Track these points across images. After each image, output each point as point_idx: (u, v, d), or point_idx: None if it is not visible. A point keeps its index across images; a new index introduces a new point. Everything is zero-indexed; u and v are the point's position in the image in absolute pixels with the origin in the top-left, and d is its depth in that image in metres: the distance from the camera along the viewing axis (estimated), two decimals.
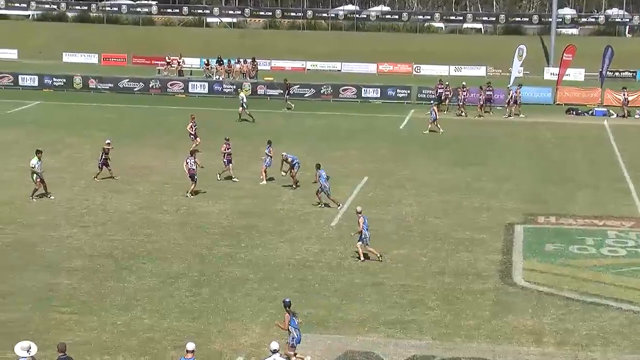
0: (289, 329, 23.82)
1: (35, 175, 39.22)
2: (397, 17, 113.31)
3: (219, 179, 43.87)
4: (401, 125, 61.40)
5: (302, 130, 57.85)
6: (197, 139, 49.97)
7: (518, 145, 54.82)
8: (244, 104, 60.52)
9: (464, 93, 65.32)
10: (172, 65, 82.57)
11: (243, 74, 79.69)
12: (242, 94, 62.20)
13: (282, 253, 33.19)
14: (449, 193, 42.36)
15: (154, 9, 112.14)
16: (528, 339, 26.02)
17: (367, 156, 50.18)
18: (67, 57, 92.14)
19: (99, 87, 73.84)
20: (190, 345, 21.76)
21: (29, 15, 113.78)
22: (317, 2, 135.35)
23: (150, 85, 73.96)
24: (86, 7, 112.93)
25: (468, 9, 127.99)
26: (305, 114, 64.09)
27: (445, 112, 64.55)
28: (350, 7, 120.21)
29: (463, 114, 64.35)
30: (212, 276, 30.57)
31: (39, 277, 29.95)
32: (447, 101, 66.23)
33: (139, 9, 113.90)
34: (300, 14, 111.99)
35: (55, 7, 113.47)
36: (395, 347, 25.41)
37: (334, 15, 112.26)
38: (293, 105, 66.49)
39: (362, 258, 32.38)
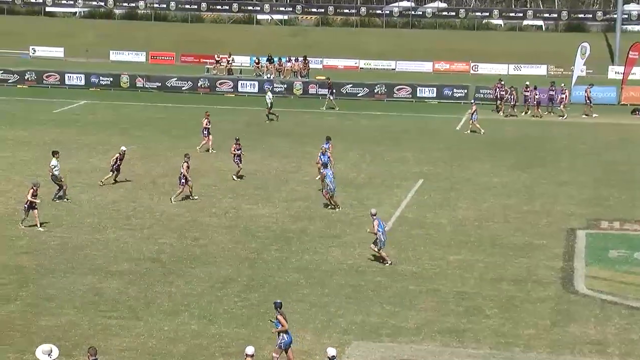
0: (279, 332, 23.95)
1: (54, 176, 39.54)
2: (454, 13, 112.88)
3: (234, 179, 44.15)
4: (458, 126, 61.11)
5: (356, 131, 57.81)
6: (210, 136, 50.32)
7: (580, 146, 54.34)
8: (270, 105, 60.84)
9: (534, 93, 64.75)
10: (221, 64, 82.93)
11: (294, 72, 79.83)
12: (269, 94, 62.44)
13: (333, 258, 33.19)
14: (508, 197, 42.10)
15: (203, 5, 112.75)
16: (591, 350, 25.76)
17: (422, 158, 50.03)
18: (114, 56, 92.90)
19: (146, 86, 74.37)
20: (250, 349, 21.84)
21: (76, 12, 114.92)
22: None
23: (199, 84, 74.33)
24: (134, 4, 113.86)
25: (528, 5, 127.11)
26: (358, 114, 64.02)
27: (501, 113, 64.27)
28: (405, 3, 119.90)
29: (528, 114, 64.24)
30: (262, 281, 30.65)
31: (85, 281, 30.23)
32: (504, 101, 65.71)
33: (187, 6, 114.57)
34: (353, 11, 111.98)
35: (102, 4, 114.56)
36: (451, 356, 25.30)
37: (388, 12, 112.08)
38: (330, 107, 66.22)
39: (388, 261, 32.36)
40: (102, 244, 34.10)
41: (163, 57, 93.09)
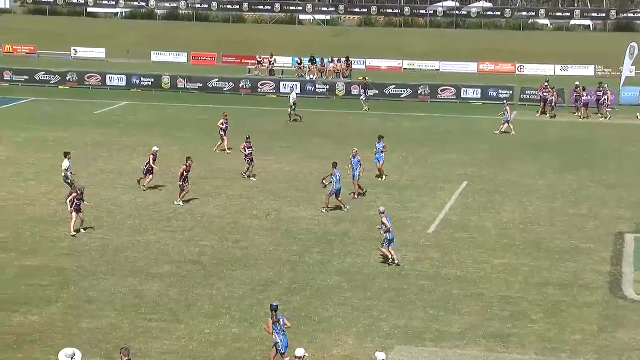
0: (273, 334, 24.00)
1: (66, 177, 39.79)
2: (499, 13, 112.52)
3: (244, 177, 44.47)
4: (503, 127, 60.80)
5: (399, 133, 57.72)
6: (225, 137, 50.50)
7: (629, 149, 53.91)
8: (293, 105, 60.96)
9: (583, 94, 64.42)
10: (263, 65, 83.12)
11: (337, 73, 79.85)
12: (293, 94, 62.50)
13: (376, 261, 33.14)
14: (554, 199, 41.84)
15: (245, 6, 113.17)
16: None
17: (466, 160, 49.86)
18: (156, 56, 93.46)
19: (187, 87, 74.72)
20: (300, 351, 21.87)
21: (118, 13, 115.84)
22: None
23: (241, 85, 74.57)
24: (175, 5, 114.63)
25: (576, 5, 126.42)
26: (401, 116, 63.93)
27: (547, 115, 64.00)
28: (449, 3, 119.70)
29: (577, 115, 63.96)
30: (303, 284, 30.68)
31: (126, 283, 30.41)
32: (548, 103, 65.31)
33: (229, 6, 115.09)
34: (397, 11, 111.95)
35: (144, 4, 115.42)
36: None
37: (432, 12, 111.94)
38: (368, 108, 66.04)
39: (395, 260, 32.46)
40: (143, 246, 34.29)
41: (204, 58, 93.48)
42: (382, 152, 44.83)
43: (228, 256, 33.34)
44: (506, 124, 57.79)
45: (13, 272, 31.23)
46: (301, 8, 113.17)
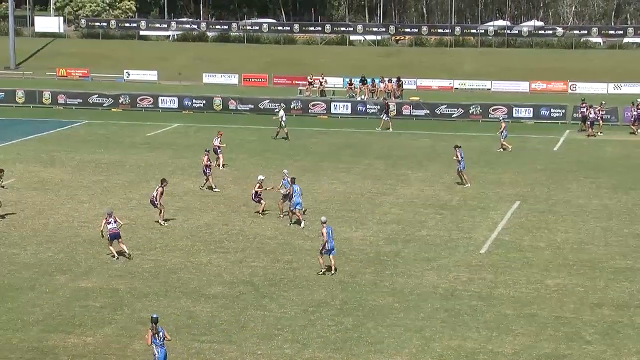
0: (152, 346, 24.21)
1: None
2: (550, 32, 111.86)
3: (202, 189, 46.16)
4: (555, 146, 60.48)
5: (451, 153, 57.55)
6: (220, 155, 51.84)
7: None
8: (282, 122, 61.67)
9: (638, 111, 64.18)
10: (314, 85, 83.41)
11: (387, 93, 79.92)
12: (281, 112, 63.07)
13: (428, 281, 33.04)
14: (609, 219, 41.46)
15: (296, 27, 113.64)
16: None
17: (518, 180, 49.58)
18: (207, 78, 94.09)
19: (239, 108, 75.11)
20: None
21: (169, 36, 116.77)
22: (465, 18, 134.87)
23: (292, 106, 74.75)
24: (226, 27, 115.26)
25: (629, 22, 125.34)
26: (453, 135, 63.76)
27: (585, 133, 63.86)
28: (500, 22, 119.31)
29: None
30: (356, 305, 30.65)
31: (179, 304, 30.56)
32: (590, 121, 64.88)
33: (279, 28, 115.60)
34: (447, 31, 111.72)
35: (195, 27, 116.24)
36: None
37: (483, 31, 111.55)
38: (389, 128, 65.99)
39: (322, 270, 33.39)
40: (195, 267, 34.46)
41: (256, 79, 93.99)
42: (459, 160, 47.41)
43: (280, 277, 33.40)
44: (502, 142, 58.51)
45: (67, 293, 31.52)
46: (352, 29, 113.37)
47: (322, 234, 33.62)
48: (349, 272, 33.92)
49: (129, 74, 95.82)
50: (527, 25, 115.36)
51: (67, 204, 43.48)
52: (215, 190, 46.12)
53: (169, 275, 33.49)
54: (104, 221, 35.29)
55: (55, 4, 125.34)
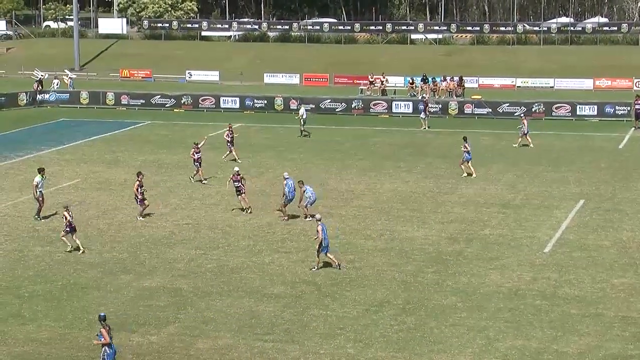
0: (103, 345, 24.47)
1: (37, 192, 40.48)
2: (615, 28, 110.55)
3: (191, 181, 47.95)
4: (621, 144, 59.82)
5: (513, 151, 57.22)
6: (232, 148, 53.72)
7: None
8: (303, 120, 62.73)
9: None
10: (375, 85, 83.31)
11: (449, 92, 79.59)
12: (302, 110, 63.97)
13: (491, 281, 32.87)
14: None
15: (357, 26, 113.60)
16: None
17: (583, 178, 49.12)
18: (268, 78, 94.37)
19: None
20: None
21: (231, 36, 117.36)
22: (528, 15, 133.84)
23: (353, 106, 74.74)
24: (287, 27, 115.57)
25: None
26: (516, 134, 63.29)
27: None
28: (564, 19, 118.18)
29: None
30: (418, 304, 30.59)
31: (242, 304, 30.72)
32: None
33: (340, 27, 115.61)
34: (510, 28, 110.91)
35: (256, 27, 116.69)
36: None
37: (546, 28, 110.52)
38: (428, 127, 65.64)
39: (317, 267, 33.97)
40: (257, 267, 34.61)
41: (317, 79, 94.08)
42: (467, 151, 48.96)
43: (342, 276, 33.43)
44: (524, 137, 58.22)
45: (131, 293, 31.84)
46: (413, 27, 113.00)
47: (318, 231, 33.84)
48: (411, 272, 33.86)
49: (191, 75, 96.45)
50: (591, 22, 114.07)
51: (131, 204, 43.86)
52: (204, 182, 47.81)
53: (231, 274, 33.68)
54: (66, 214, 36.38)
55: (118, 5, 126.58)
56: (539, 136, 62.50)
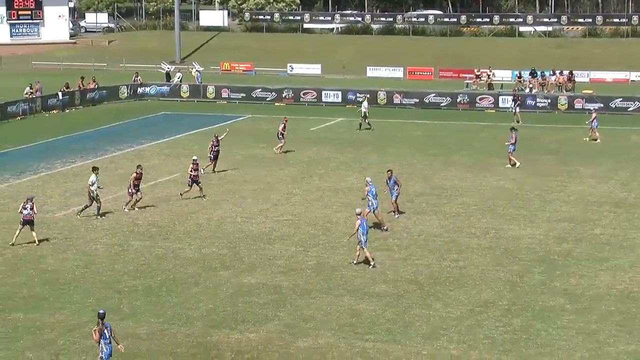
0: (99, 342, 24.28)
1: (94, 192, 40.58)
2: None
3: (202, 172, 46.82)
4: None
5: (626, 147, 56.28)
6: (283, 140, 54.70)
7: None
8: (365, 112, 63.37)
9: None
10: (482, 78, 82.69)
11: (558, 86, 78.59)
12: (365, 103, 64.59)
13: (602, 282, 32.37)
14: None
15: (463, 19, 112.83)
16: None
17: None
18: (371, 72, 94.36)
19: (403, 102, 75.08)
20: None
21: (333, 29, 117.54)
22: None
23: (458, 100, 74.33)
24: (391, 19, 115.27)
25: None
26: (630, 130, 62.26)
27: None
28: None
29: None
30: (524, 305, 30.28)
31: (342, 302, 30.77)
32: None
33: (446, 19, 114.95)
34: (624, 20, 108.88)
35: (359, 19, 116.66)
36: None
37: None
38: (520, 121, 64.59)
39: (355, 261, 34.23)
40: (358, 264, 34.59)
41: (421, 73, 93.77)
42: (513, 143, 49.92)
43: (445, 275, 33.27)
44: (593, 131, 58.25)
45: (231, 289, 32.12)
46: (521, 19, 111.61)
47: (355, 225, 33.95)
48: (517, 272, 33.54)
49: (292, 68, 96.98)
50: None
51: (230, 199, 44.31)
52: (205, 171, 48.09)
53: (332, 272, 33.76)
54: (22, 205, 36.69)
55: None
56: None
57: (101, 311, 24.81)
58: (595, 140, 57.62)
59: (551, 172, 49.58)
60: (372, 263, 34.06)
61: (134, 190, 41.80)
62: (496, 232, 38.55)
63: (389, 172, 40.71)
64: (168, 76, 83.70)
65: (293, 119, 68.35)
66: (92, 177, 40.65)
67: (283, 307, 30.41)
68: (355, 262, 34.29)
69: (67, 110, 73.05)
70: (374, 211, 38.58)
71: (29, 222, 36.72)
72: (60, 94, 73.55)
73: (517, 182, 47.32)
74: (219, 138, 49.57)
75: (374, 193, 38.58)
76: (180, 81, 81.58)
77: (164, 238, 37.89)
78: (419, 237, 37.98)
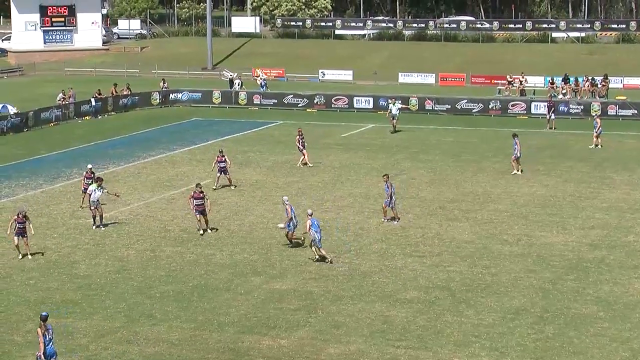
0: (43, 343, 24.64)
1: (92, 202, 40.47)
2: None
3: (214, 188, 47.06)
4: None
5: None
6: (304, 151, 53.36)
7: None
8: (395, 116, 64.22)
9: None
10: (514, 85, 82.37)
11: (592, 93, 78.15)
12: (397, 105, 65.39)
13: (636, 290, 32.18)
14: None
15: (495, 24, 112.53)
16: None
17: None
18: (403, 78, 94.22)
19: (435, 108, 74.92)
20: None
21: (365, 35, 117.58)
22: None
23: (490, 106, 74.06)
24: (423, 25, 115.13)
25: None
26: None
27: None
28: None
29: None
30: (557, 313, 30.14)
31: (373, 308, 30.75)
32: None
33: (478, 25, 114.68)
34: None
35: (391, 25, 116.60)
36: None
37: None
38: (552, 127, 64.50)
39: (316, 258, 35.28)
40: (390, 271, 34.58)
41: (453, 79, 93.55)
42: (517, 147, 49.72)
43: (477, 282, 33.18)
44: (597, 137, 58.10)
45: (262, 295, 32.18)
46: (554, 25, 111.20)
47: (307, 226, 35.14)
48: (549, 279, 33.39)
49: (324, 74, 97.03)
50: None
51: (262, 205, 44.39)
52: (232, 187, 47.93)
53: (363, 278, 33.74)
54: (15, 219, 36.37)
55: (251, 4, 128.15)
56: None
57: (44, 314, 25.30)
58: (597, 146, 57.33)
59: (584, 178, 49.34)
60: (329, 258, 35.37)
61: (198, 217, 39.86)
62: (528, 239, 38.40)
63: (385, 177, 41.05)
64: (231, 83, 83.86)
65: (324, 125, 68.52)
66: (92, 187, 40.86)
67: (314, 313, 30.42)
68: (315, 259, 35.46)
69: (100, 117, 73.46)
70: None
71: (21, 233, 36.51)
72: (93, 100, 74.01)
73: (549, 188, 47.11)
74: (223, 154, 48.25)
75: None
76: (240, 87, 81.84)
77: (195, 244, 38.00)
78: (451, 244, 37.89)
